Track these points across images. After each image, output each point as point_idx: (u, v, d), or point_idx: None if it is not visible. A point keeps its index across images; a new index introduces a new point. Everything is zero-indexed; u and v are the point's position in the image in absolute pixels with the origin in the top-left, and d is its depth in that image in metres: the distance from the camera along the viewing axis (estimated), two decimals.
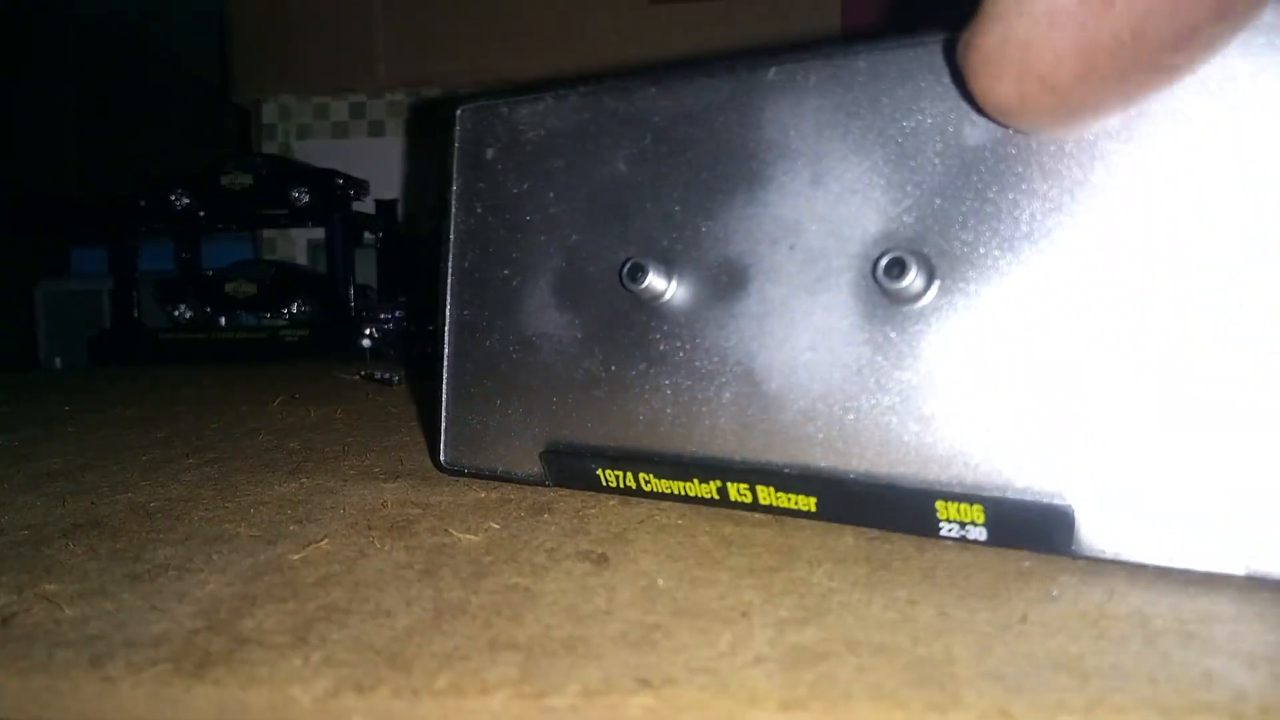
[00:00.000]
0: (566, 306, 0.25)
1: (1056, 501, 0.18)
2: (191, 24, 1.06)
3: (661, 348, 0.23)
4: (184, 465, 0.32)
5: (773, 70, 0.22)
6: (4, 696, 0.15)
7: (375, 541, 0.22)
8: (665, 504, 0.24)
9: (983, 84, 0.17)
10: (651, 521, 0.23)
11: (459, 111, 0.27)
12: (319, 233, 0.86)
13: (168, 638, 0.17)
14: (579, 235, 0.25)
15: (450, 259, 0.27)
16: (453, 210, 0.27)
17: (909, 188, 0.20)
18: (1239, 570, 0.17)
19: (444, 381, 0.27)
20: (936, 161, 0.19)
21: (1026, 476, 0.18)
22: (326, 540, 0.22)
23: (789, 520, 0.22)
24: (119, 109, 1.26)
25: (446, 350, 0.27)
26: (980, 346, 0.19)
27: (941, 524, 0.19)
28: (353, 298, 0.78)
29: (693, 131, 0.23)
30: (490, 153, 0.26)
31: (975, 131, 0.19)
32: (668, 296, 0.23)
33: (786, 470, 0.21)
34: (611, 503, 0.25)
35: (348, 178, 0.80)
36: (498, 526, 0.23)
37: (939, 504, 0.19)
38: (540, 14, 0.89)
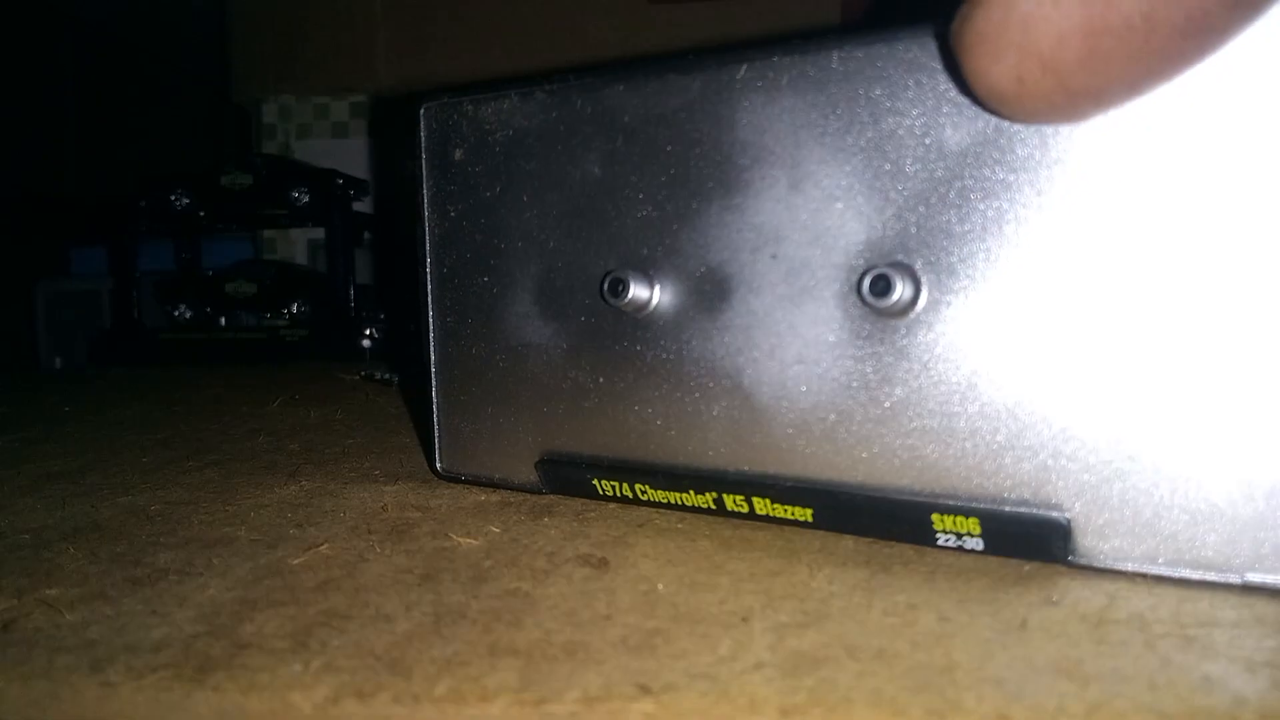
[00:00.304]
0: (550, 316, 0.24)
1: (1052, 513, 0.18)
2: (191, 24, 1.05)
3: (649, 359, 0.23)
4: (184, 467, 0.32)
5: (744, 68, 0.21)
6: (5, 701, 0.15)
7: (375, 546, 0.22)
8: (666, 509, 0.24)
9: (979, 65, 0.16)
10: (652, 526, 0.23)
11: (422, 110, 0.26)
12: (319, 233, 0.86)
13: (168, 643, 0.17)
14: (557, 241, 0.24)
15: (428, 264, 0.26)
16: (425, 214, 0.26)
17: (891, 194, 0.19)
18: (1235, 579, 0.17)
19: (433, 388, 0.27)
20: (919, 166, 0.19)
21: (1022, 487, 0.18)
22: (327, 544, 0.22)
23: (789, 525, 0.22)
24: (119, 109, 1.26)
25: (433, 357, 0.27)
26: (971, 357, 0.19)
27: (938, 535, 0.19)
28: (353, 298, 0.78)
29: (665, 132, 0.22)
30: (458, 153, 0.26)
31: (958, 134, 0.18)
32: (652, 306, 0.22)
33: (781, 482, 0.21)
34: (611, 507, 0.25)
35: (348, 178, 0.80)
36: (498, 530, 0.23)
37: (935, 516, 0.19)
38: (540, 14, 0.89)
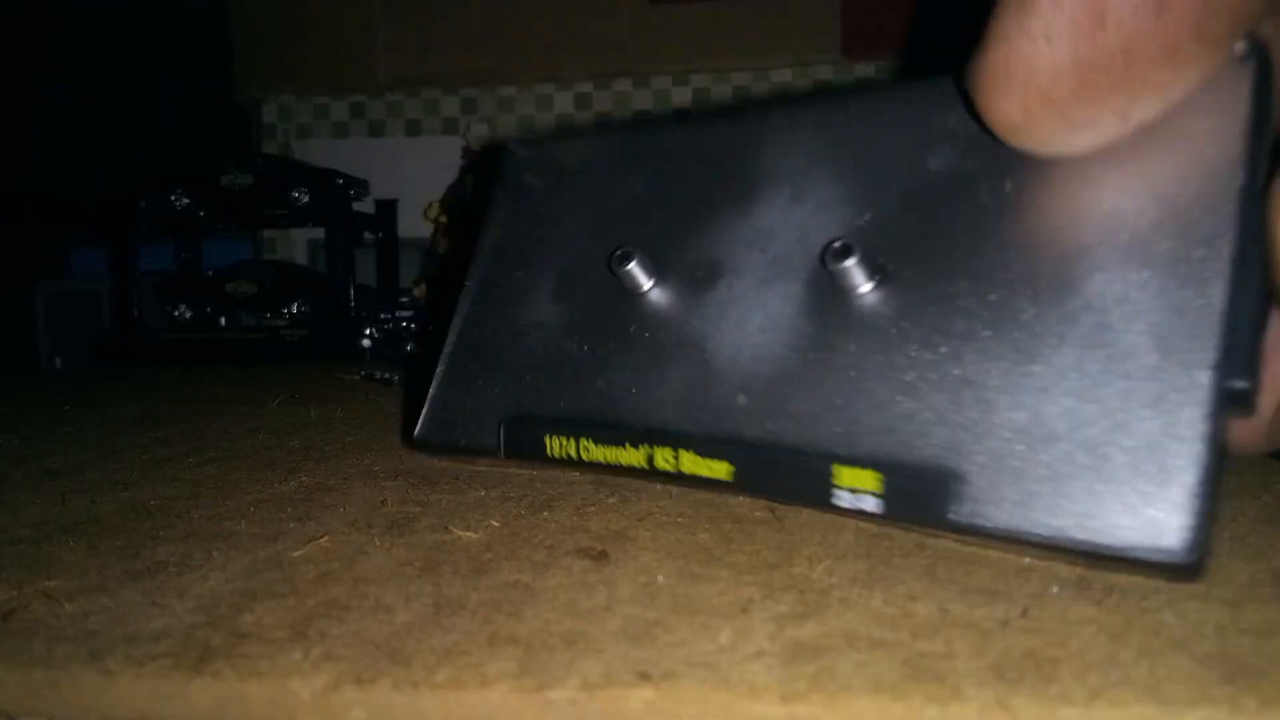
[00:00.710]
0: (561, 299, 0.27)
1: (947, 473, 0.19)
2: (191, 24, 1.06)
3: (631, 330, 0.25)
4: (184, 464, 0.32)
5: (779, 113, 0.25)
6: (4, 690, 0.15)
7: (375, 539, 0.22)
8: (665, 502, 0.24)
9: (990, 102, 0.19)
10: (651, 520, 0.23)
11: (511, 147, 0.31)
12: (319, 233, 0.86)
13: (167, 632, 0.17)
14: (588, 240, 0.27)
15: (474, 267, 0.30)
16: (487, 226, 0.30)
17: (871, 202, 0.22)
18: (1113, 549, 0.17)
19: (440, 366, 0.29)
20: (901, 184, 0.22)
21: (920, 452, 0.20)
22: (326, 537, 0.22)
23: (789, 517, 0.22)
24: (119, 109, 1.26)
25: (451, 339, 0.29)
26: (904, 337, 0.21)
27: (837, 491, 0.20)
28: (353, 298, 0.78)
29: (703, 161, 0.26)
30: (530, 179, 0.30)
31: (937, 162, 0.22)
32: (647, 288, 0.25)
33: (709, 436, 0.22)
34: (611, 500, 0.25)
35: (348, 178, 0.80)
36: (498, 524, 0.23)
37: (835, 468, 0.20)
38: (540, 14, 0.89)
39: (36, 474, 0.31)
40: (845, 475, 0.20)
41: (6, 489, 0.29)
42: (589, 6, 0.88)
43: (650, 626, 0.16)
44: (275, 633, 0.16)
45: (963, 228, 0.21)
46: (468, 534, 0.22)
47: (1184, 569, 0.16)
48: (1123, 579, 0.18)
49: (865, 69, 0.89)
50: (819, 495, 0.21)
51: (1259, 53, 0.18)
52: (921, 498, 0.19)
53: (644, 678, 0.14)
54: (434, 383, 0.29)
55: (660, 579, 0.19)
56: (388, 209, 0.87)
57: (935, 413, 0.20)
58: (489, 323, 0.29)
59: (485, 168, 0.31)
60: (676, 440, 0.23)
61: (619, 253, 0.25)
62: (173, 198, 0.80)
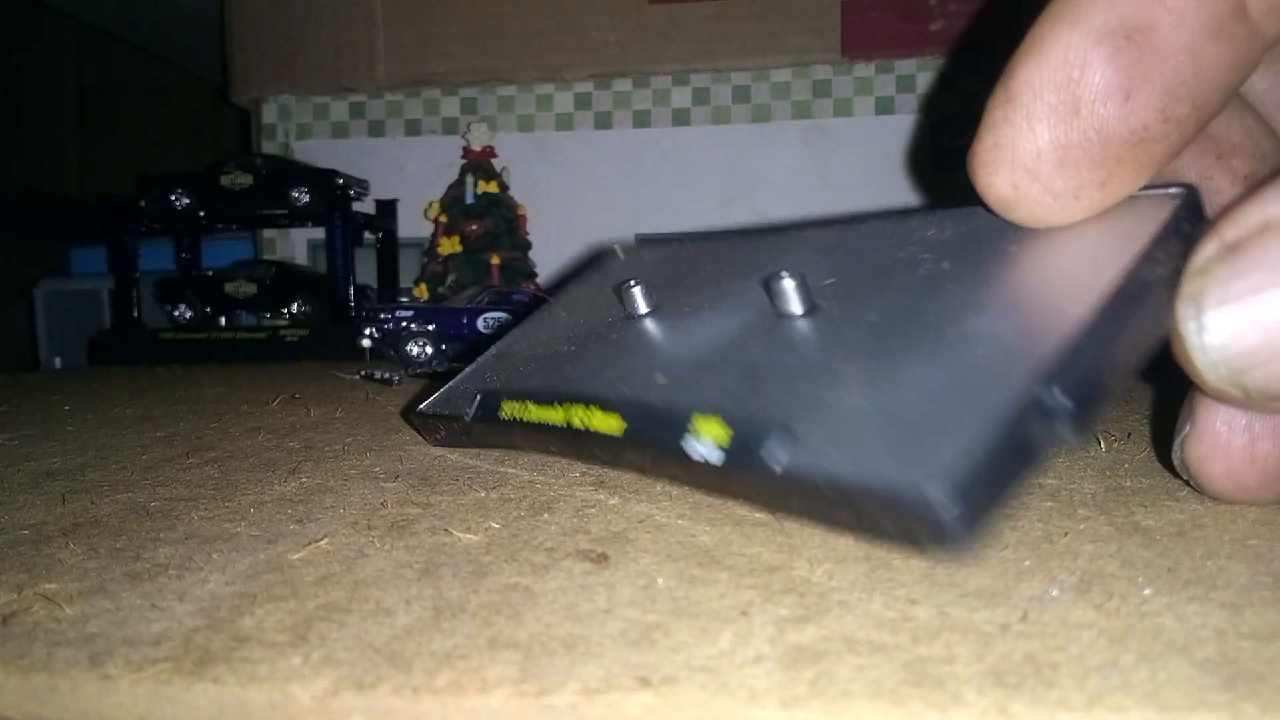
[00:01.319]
0: (578, 323, 0.32)
1: (781, 432, 0.20)
2: (191, 24, 1.06)
3: (614, 339, 0.29)
4: (184, 464, 0.32)
5: (809, 227, 0.30)
6: (4, 695, 0.15)
7: (375, 541, 0.22)
8: (665, 504, 0.24)
9: (984, 180, 0.21)
10: (651, 522, 0.23)
11: (614, 247, 0.38)
12: (319, 233, 0.86)
13: (168, 636, 0.17)
14: (620, 291, 0.31)
15: (543, 307, 0.36)
16: (567, 289, 0.37)
17: (840, 273, 0.26)
18: (889, 493, 0.17)
19: (469, 367, 0.34)
20: (867, 265, 0.25)
21: (769, 417, 0.21)
22: (326, 539, 0.22)
23: (789, 520, 0.22)
24: (119, 109, 1.26)
25: (489, 350, 0.34)
26: (805, 343, 0.23)
27: (688, 438, 0.22)
28: (353, 298, 0.78)
29: (742, 254, 0.31)
30: (614, 266, 0.36)
31: (903, 254, 0.25)
32: (642, 312, 0.30)
33: (613, 396, 0.25)
34: (612, 502, 0.25)
35: (348, 178, 0.80)
36: (498, 526, 0.23)
37: (695, 416, 0.22)
38: (540, 14, 0.89)
39: (36, 474, 0.31)
40: (701, 425, 0.22)
41: (6, 489, 0.29)
42: (589, 6, 0.88)
43: (650, 630, 0.16)
44: (275, 636, 0.16)
45: (895, 288, 0.23)
46: (468, 536, 0.22)
47: (941, 527, 0.16)
48: (1121, 584, 0.18)
49: (865, 69, 0.89)
50: (673, 438, 0.22)
51: (1189, 191, 0.20)
52: (754, 452, 0.20)
53: (644, 683, 0.14)
54: (459, 374, 0.34)
55: (660, 582, 0.19)
56: (388, 209, 0.87)
57: (797, 395, 0.21)
58: (523, 340, 0.34)
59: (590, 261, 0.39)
60: (590, 401, 0.25)
61: (629, 280, 0.29)
62: (173, 198, 0.80)
